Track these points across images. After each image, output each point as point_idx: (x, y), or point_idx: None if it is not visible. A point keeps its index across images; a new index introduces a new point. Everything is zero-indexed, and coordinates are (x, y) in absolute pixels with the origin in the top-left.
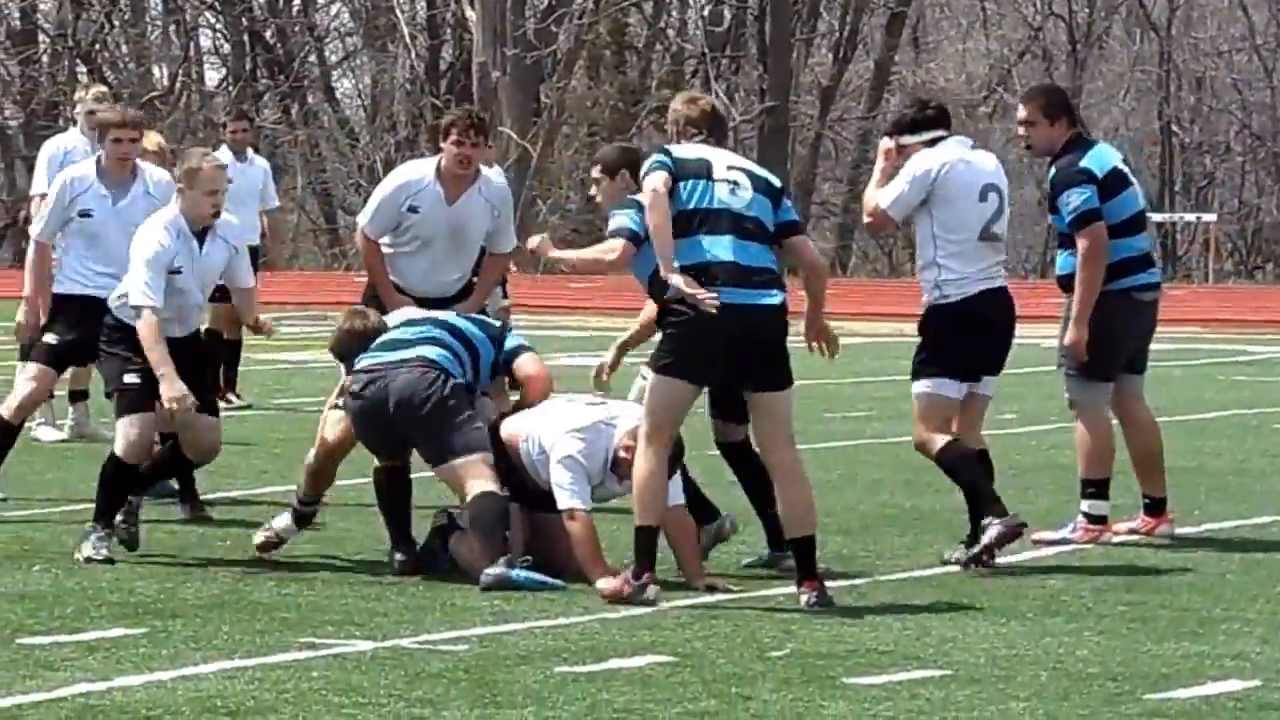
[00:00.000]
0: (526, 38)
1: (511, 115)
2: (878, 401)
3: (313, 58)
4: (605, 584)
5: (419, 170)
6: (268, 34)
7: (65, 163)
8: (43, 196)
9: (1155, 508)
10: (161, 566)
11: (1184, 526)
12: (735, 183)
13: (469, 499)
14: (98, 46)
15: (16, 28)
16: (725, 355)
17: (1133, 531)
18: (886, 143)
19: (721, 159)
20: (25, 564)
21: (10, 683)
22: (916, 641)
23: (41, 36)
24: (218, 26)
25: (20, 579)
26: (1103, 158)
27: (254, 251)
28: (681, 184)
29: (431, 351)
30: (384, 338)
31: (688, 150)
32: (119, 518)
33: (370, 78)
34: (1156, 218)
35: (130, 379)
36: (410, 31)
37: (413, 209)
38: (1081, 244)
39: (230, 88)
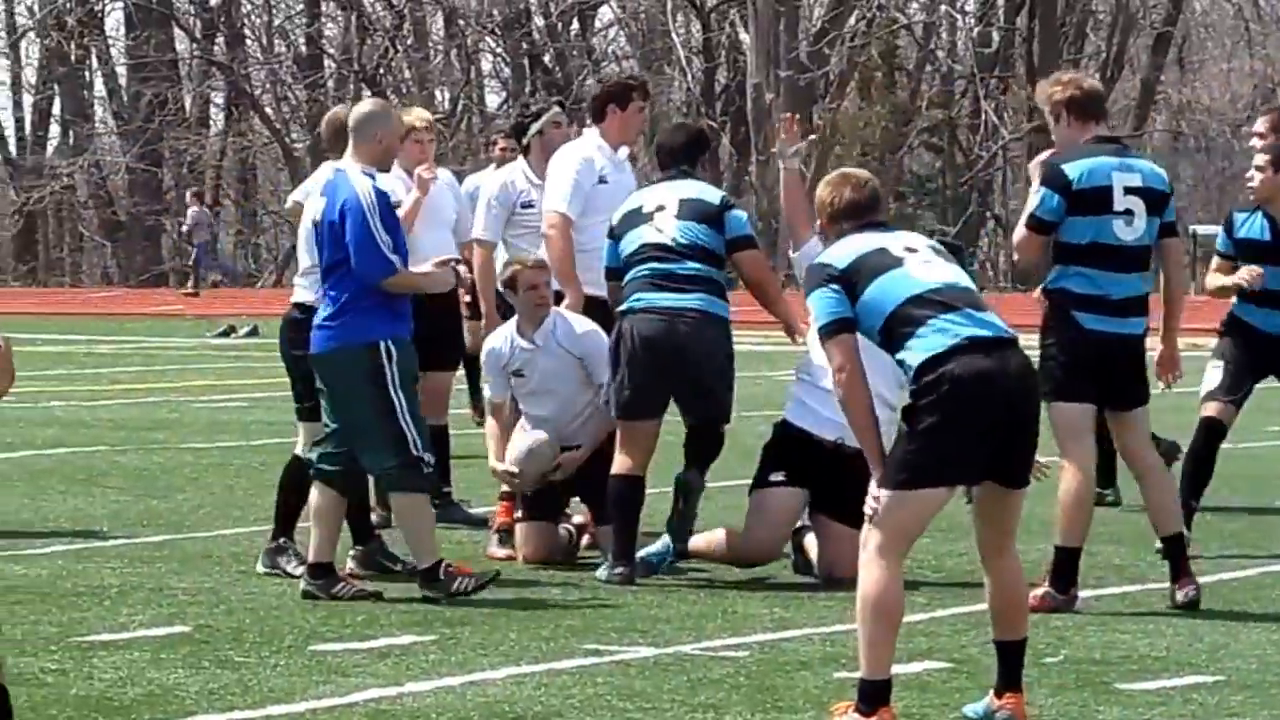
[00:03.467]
0: (799, 60)
1: None
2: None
3: (590, 80)
4: None
5: (589, 145)
6: (546, 58)
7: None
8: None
9: None
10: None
11: None
12: None
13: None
14: (382, 70)
15: (303, 53)
16: (1097, 378)
17: None
18: None
19: None
20: None
21: (304, 688)
22: (1189, 648)
23: (327, 61)
24: (498, 51)
25: None
26: None
27: None
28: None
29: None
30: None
31: None
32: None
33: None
34: None
35: None
36: (685, 54)
37: (602, 180)
38: None
39: (510, 110)
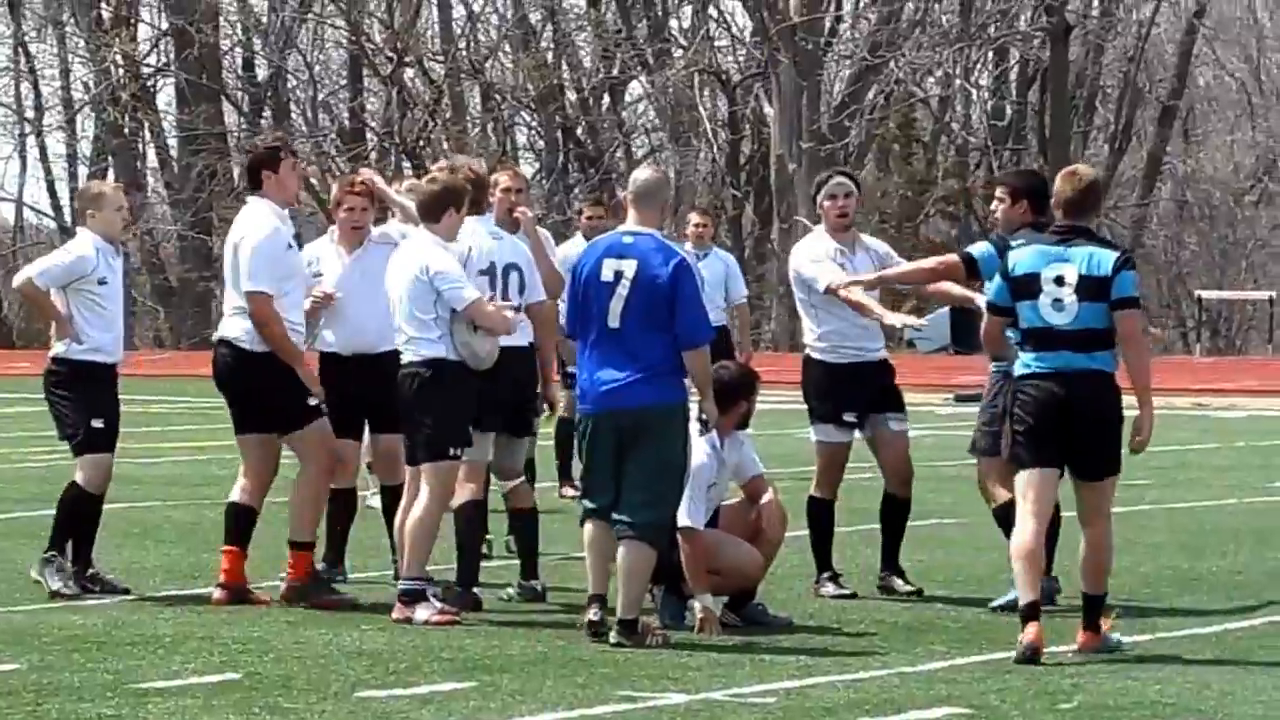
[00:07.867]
0: (821, 132)
1: (806, 205)
2: (1154, 470)
3: (620, 153)
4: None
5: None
6: (579, 130)
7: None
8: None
9: None
10: (489, 625)
11: None
12: None
13: None
14: (421, 143)
15: (346, 127)
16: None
17: None
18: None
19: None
20: (361, 623)
21: None
22: (1197, 695)
23: (369, 134)
24: (533, 124)
25: (357, 637)
26: None
27: None
28: None
29: None
30: None
31: None
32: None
33: (674, 170)
34: None
35: None
36: (712, 127)
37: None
38: None
39: (544, 181)
